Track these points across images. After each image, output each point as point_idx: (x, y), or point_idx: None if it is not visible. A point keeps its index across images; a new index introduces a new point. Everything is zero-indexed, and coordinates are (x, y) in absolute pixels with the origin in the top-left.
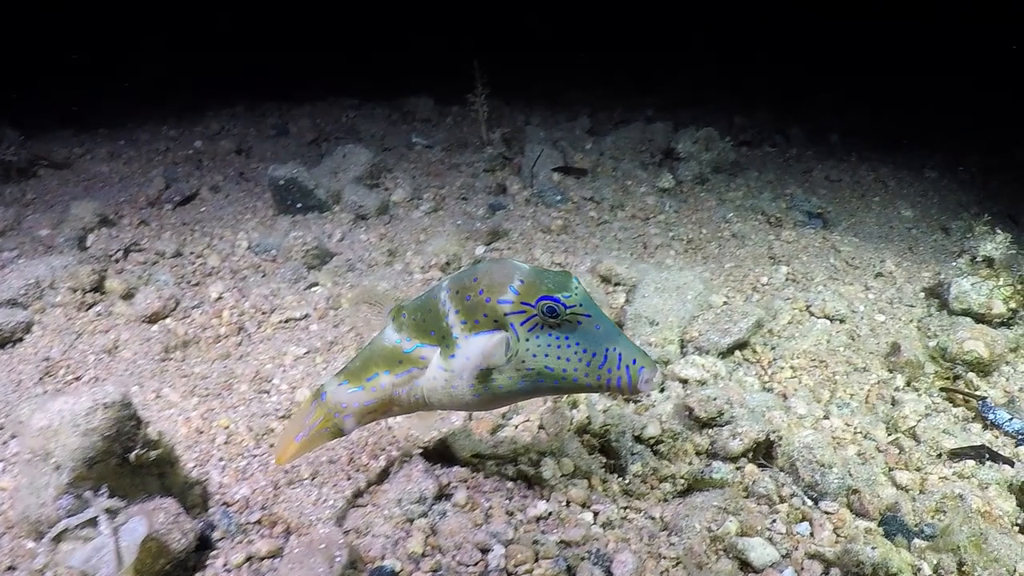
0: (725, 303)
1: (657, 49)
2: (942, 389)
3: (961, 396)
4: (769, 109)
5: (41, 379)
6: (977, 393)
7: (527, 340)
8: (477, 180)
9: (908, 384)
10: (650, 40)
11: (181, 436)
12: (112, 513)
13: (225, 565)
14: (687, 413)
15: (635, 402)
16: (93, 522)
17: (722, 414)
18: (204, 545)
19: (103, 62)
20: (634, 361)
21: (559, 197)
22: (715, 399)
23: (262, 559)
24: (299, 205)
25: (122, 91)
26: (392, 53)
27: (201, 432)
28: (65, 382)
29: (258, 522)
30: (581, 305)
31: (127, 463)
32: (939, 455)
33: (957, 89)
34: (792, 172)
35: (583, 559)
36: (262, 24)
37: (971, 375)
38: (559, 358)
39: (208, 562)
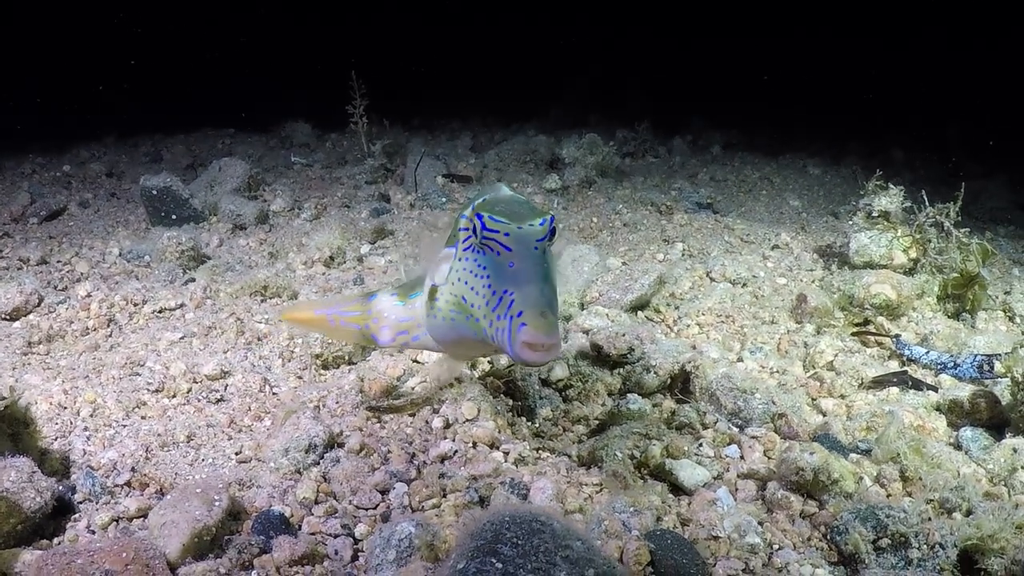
0: (624, 264)
1: (535, 84)
2: (854, 333)
3: (873, 338)
4: (650, 126)
5: None
6: (891, 333)
7: (459, 260)
8: (359, 191)
9: (818, 331)
10: (529, 72)
11: (41, 412)
12: None
13: (88, 527)
14: (596, 353)
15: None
16: None
17: (633, 350)
18: (65, 509)
19: None
20: (520, 313)
21: (444, 199)
22: (624, 335)
23: (131, 519)
24: (174, 216)
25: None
26: (269, 83)
27: (64, 407)
28: None
29: (127, 484)
30: (507, 235)
31: None
32: (860, 384)
33: (832, 96)
34: (677, 176)
35: (496, 488)
36: (132, 58)
37: (881, 319)
38: (472, 288)
39: (69, 525)
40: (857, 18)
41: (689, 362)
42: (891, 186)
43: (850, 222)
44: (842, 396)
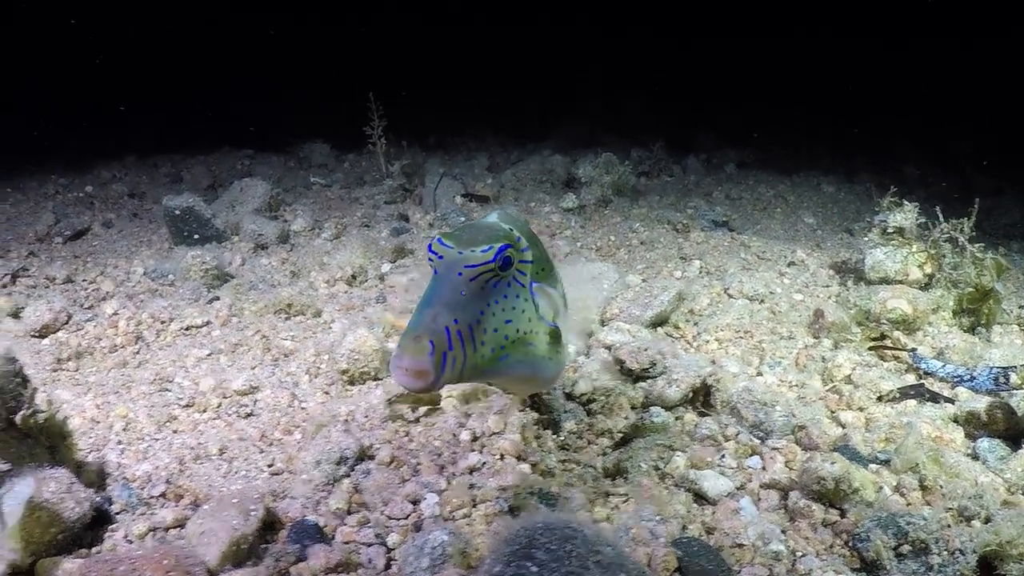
0: (644, 281)
1: (549, 99)
2: (871, 347)
3: (890, 352)
4: (664, 145)
5: None
6: (907, 347)
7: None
8: (379, 211)
9: (836, 346)
10: (542, 88)
11: (75, 426)
12: None
13: (126, 536)
14: (618, 367)
15: None
16: None
17: (655, 364)
18: (102, 520)
19: None
20: (403, 334)
21: (463, 219)
22: (646, 349)
23: (167, 529)
24: (196, 236)
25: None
26: (286, 105)
27: (97, 421)
28: None
29: (162, 495)
30: (440, 259)
31: (12, 427)
32: (879, 397)
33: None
34: (693, 194)
35: (525, 498)
36: (151, 78)
37: (897, 333)
38: None
39: (107, 535)
40: (869, 30)
41: (710, 376)
42: (906, 202)
43: (865, 238)
44: (860, 408)
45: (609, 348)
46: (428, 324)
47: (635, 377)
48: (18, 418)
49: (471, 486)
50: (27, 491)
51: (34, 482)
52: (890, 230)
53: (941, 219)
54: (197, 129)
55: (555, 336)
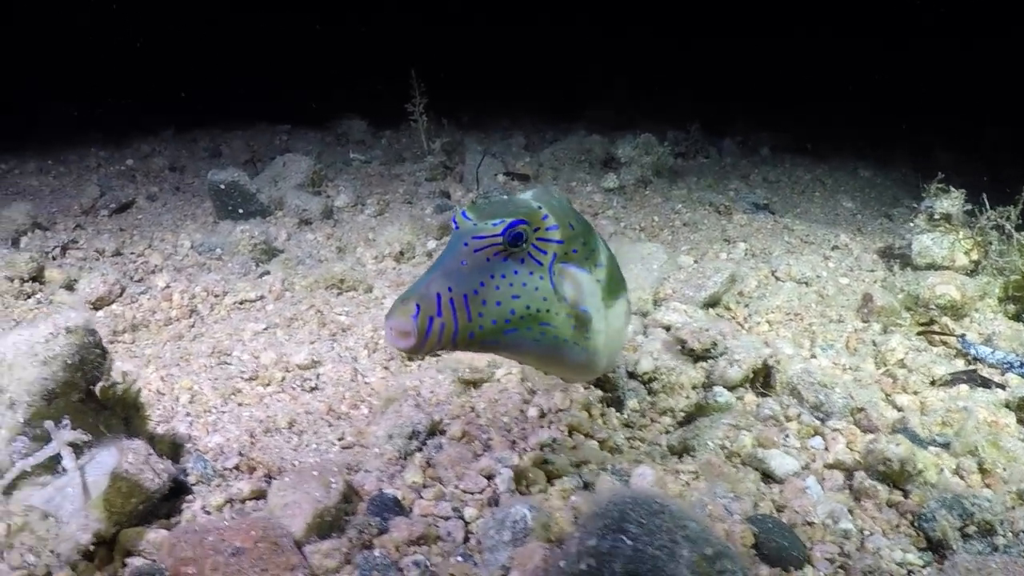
0: (695, 262)
1: (580, 82)
2: (919, 332)
3: (939, 337)
4: (700, 127)
5: None
6: (956, 332)
7: None
8: (420, 187)
9: (885, 330)
10: (573, 71)
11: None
12: (77, 448)
13: (204, 508)
14: (679, 347)
15: None
16: (53, 467)
17: (716, 345)
18: (179, 491)
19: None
20: (396, 299)
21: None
22: (707, 330)
23: (244, 500)
24: (241, 210)
25: (44, 119)
26: (324, 80)
27: (162, 394)
28: None
29: (236, 467)
30: (456, 228)
31: (91, 398)
32: (932, 382)
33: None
34: (731, 176)
35: (599, 474)
36: (187, 53)
37: (945, 319)
38: None
39: (184, 506)
40: (903, 21)
41: (771, 357)
42: (952, 189)
43: (911, 223)
44: (915, 392)
45: (667, 328)
46: (420, 290)
47: (696, 357)
48: (97, 389)
49: (545, 462)
50: (111, 461)
51: (117, 452)
52: (937, 216)
53: (987, 206)
54: (233, 105)
55: (581, 320)
